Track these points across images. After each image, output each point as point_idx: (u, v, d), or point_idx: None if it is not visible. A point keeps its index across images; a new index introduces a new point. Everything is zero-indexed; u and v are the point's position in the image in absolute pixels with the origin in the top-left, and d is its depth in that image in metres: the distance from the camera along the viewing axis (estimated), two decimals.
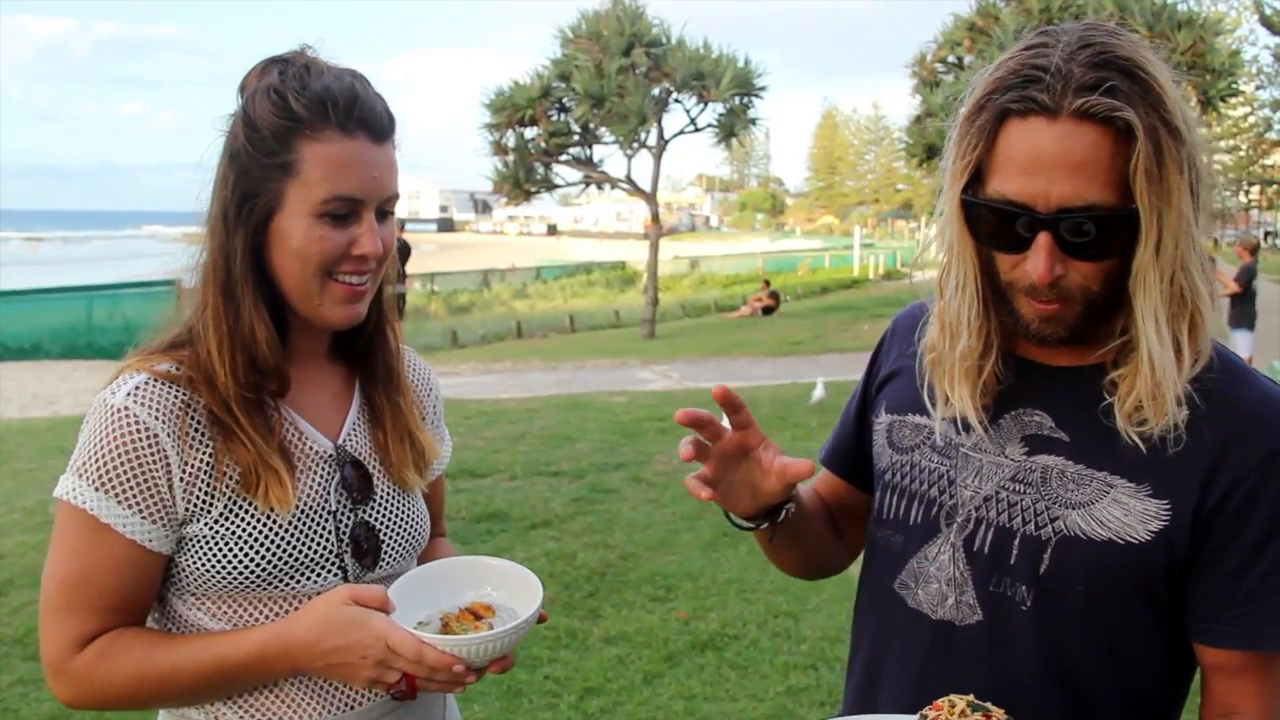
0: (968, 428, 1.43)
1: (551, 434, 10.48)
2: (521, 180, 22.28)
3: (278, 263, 1.50)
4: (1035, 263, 1.27)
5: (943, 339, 1.43)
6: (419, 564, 1.76)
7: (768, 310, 27.57)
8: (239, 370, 1.48)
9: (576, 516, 7.48)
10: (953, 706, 1.23)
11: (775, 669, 4.93)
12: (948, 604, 1.42)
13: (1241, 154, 68.64)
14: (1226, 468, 1.29)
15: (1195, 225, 1.26)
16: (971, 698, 1.25)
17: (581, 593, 5.94)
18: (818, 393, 11.37)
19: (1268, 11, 39.76)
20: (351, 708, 1.54)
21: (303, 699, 1.53)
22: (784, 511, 1.50)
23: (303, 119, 1.45)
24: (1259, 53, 54.18)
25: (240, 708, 1.52)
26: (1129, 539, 1.30)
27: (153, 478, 1.44)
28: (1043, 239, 1.25)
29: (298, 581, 1.51)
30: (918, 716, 1.26)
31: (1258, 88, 58.93)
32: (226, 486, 1.47)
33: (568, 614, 5.60)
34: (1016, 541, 1.37)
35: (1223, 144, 65.94)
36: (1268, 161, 68.79)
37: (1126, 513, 1.31)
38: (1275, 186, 67.11)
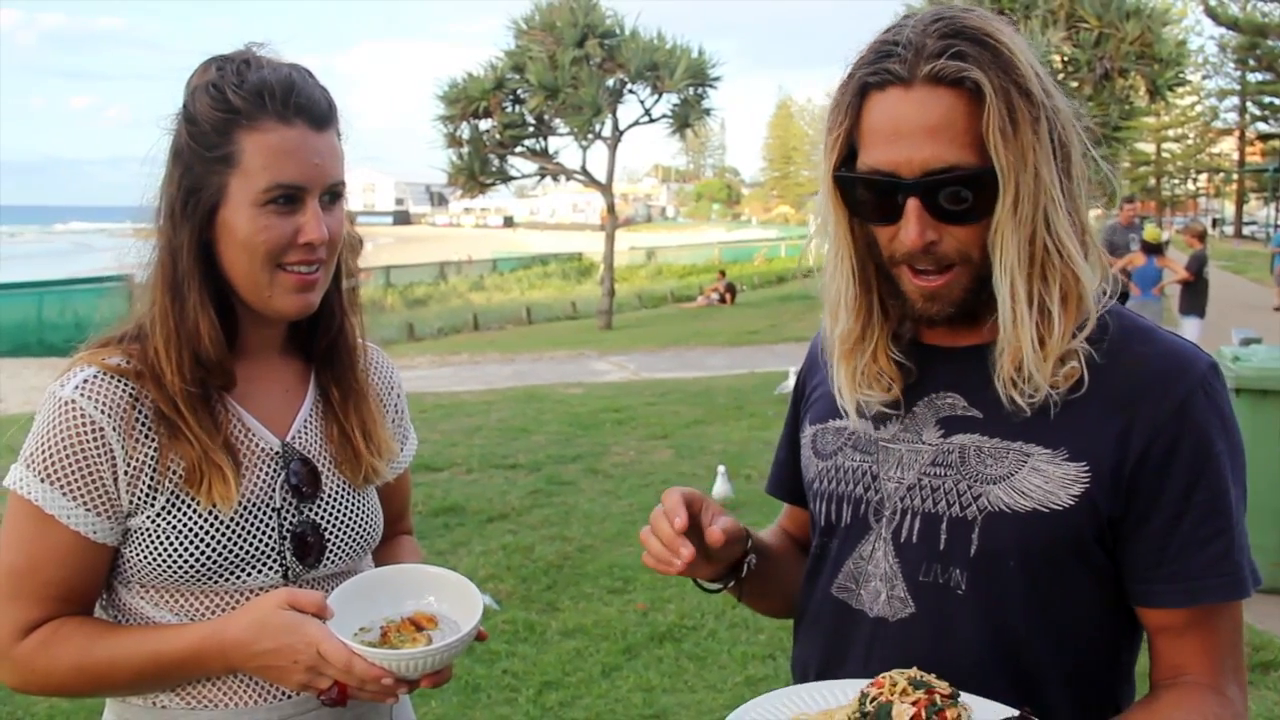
0: (884, 421, 1.43)
1: (508, 426, 10.46)
2: (477, 172, 22.19)
3: (226, 256, 1.50)
4: (907, 229, 1.29)
5: (829, 327, 1.46)
6: (376, 562, 1.77)
7: (723, 299, 27.64)
8: (185, 367, 1.49)
9: (533, 509, 7.47)
10: (894, 684, 1.22)
11: (733, 659, 4.95)
12: (880, 600, 1.41)
13: (1189, 142, 69.79)
14: (1140, 423, 1.29)
15: (1059, 188, 1.28)
16: (914, 672, 1.24)
17: (539, 586, 5.92)
18: (789, 382, 11.21)
19: (1213, 2, 40.40)
20: (289, 696, 1.55)
21: (242, 687, 1.53)
22: (745, 566, 1.51)
23: (240, 110, 1.46)
24: (1205, 43, 55.16)
25: (181, 695, 1.53)
26: (1052, 506, 1.30)
27: (97, 471, 1.45)
28: (911, 205, 1.28)
29: (238, 577, 1.52)
30: (858, 694, 1.25)
31: (1204, 77, 59.96)
32: (170, 481, 1.48)
33: (525, 607, 5.59)
34: (944, 525, 1.36)
35: (1171, 133, 66.99)
36: (1214, 150, 69.97)
37: (1047, 480, 1.30)
38: (1222, 174, 68.26)
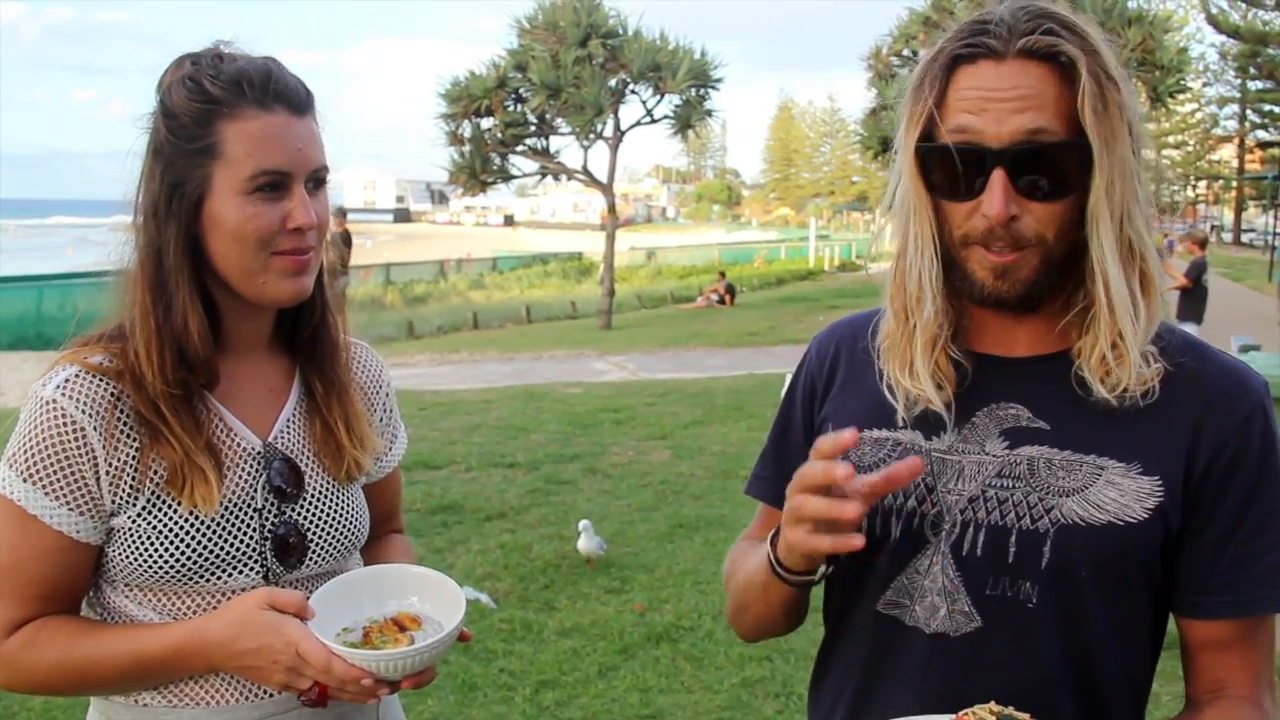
0: (937, 432, 1.39)
1: (507, 425, 10.45)
2: (478, 171, 22.16)
3: (216, 248, 1.50)
4: (990, 201, 1.26)
5: (902, 316, 1.40)
6: (367, 560, 1.77)
7: (723, 300, 27.65)
8: (167, 367, 1.48)
9: (532, 508, 7.46)
10: (977, 718, 1.19)
11: (730, 660, 4.95)
12: (939, 615, 1.36)
13: (1189, 149, 69.79)
14: (1206, 437, 1.30)
15: (1138, 178, 1.29)
16: (993, 705, 1.21)
17: (537, 585, 5.92)
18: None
19: (1214, 10, 40.40)
20: (271, 695, 1.55)
21: (224, 686, 1.54)
22: (826, 565, 1.38)
23: (219, 99, 1.46)
24: (1206, 50, 55.23)
25: (163, 693, 1.54)
26: (1128, 519, 1.29)
27: (79, 471, 1.45)
28: (997, 175, 1.26)
29: (218, 578, 1.52)
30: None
31: (1205, 84, 60.00)
32: (151, 481, 1.48)
33: (523, 606, 5.59)
34: (1013, 538, 1.32)
35: (1171, 139, 66.99)
36: (1214, 157, 69.98)
37: (1122, 493, 1.29)
38: (1221, 181, 68.28)
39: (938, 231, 1.34)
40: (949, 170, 1.29)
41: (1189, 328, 12.80)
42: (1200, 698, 1.35)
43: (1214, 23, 43.99)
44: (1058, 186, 1.26)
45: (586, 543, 6.24)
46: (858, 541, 1.22)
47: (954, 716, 1.22)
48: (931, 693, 1.35)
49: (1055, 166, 1.26)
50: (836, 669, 1.51)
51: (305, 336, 1.66)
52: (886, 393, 1.42)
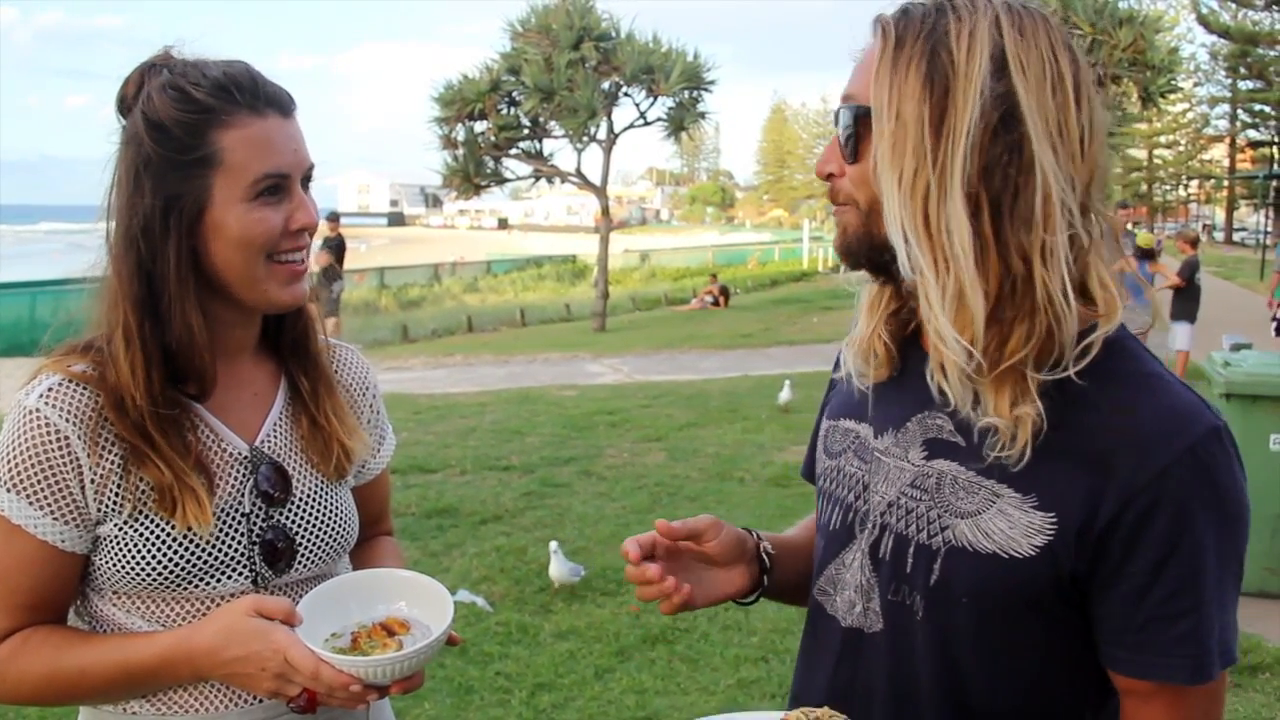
0: (883, 431, 1.40)
1: (502, 428, 10.46)
2: (471, 174, 22.14)
3: (219, 257, 1.48)
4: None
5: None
6: (357, 564, 1.76)
7: (717, 302, 27.66)
8: (155, 387, 1.46)
9: (527, 511, 7.47)
10: (804, 715, 1.23)
11: (726, 662, 4.96)
12: (856, 611, 1.39)
13: (1181, 149, 69.95)
14: (1115, 484, 1.19)
15: (958, 178, 1.20)
16: (824, 711, 1.25)
17: (532, 588, 5.93)
18: (784, 394, 11.16)
19: (1205, 11, 40.50)
20: (260, 701, 1.54)
21: (213, 693, 1.53)
22: (763, 556, 1.52)
23: (211, 108, 1.44)
24: (1197, 50, 55.31)
25: (152, 701, 1.53)
26: (1013, 553, 1.24)
27: (64, 480, 1.44)
28: (834, 135, 1.33)
29: (207, 584, 1.51)
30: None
31: (1196, 84, 60.13)
32: (136, 489, 1.47)
33: (519, 609, 5.60)
34: (911, 549, 1.32)
35: (1162, 139, 67.16)
36: (1206, 156, 70.15)
37: (1011, 525, 1.24)
38: (1213, 181, 68.46)
39: None
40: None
41: (1182, 327, 12.85)
42: None
43: (1204, 23, 44.10)
44: (857, 147, 1.30)
45: (558, 568, 5.78)
46: (668, 588, 1.42)
47: (782, 714, 1.26)
48: (841, 684, 1.38)
49: (850, 127, 1.30)
50: (798, 651, 1.57)
51: (290, 336, 1.66)
52: (846, 361, 1.48)
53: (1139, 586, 1.21)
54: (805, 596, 1.54)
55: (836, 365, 1.61)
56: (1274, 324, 13.95)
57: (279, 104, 1.50)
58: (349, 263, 16.51)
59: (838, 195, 1.33)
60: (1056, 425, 1.22)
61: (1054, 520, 1.22)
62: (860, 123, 1.28)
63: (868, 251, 1.31)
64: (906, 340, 1.41)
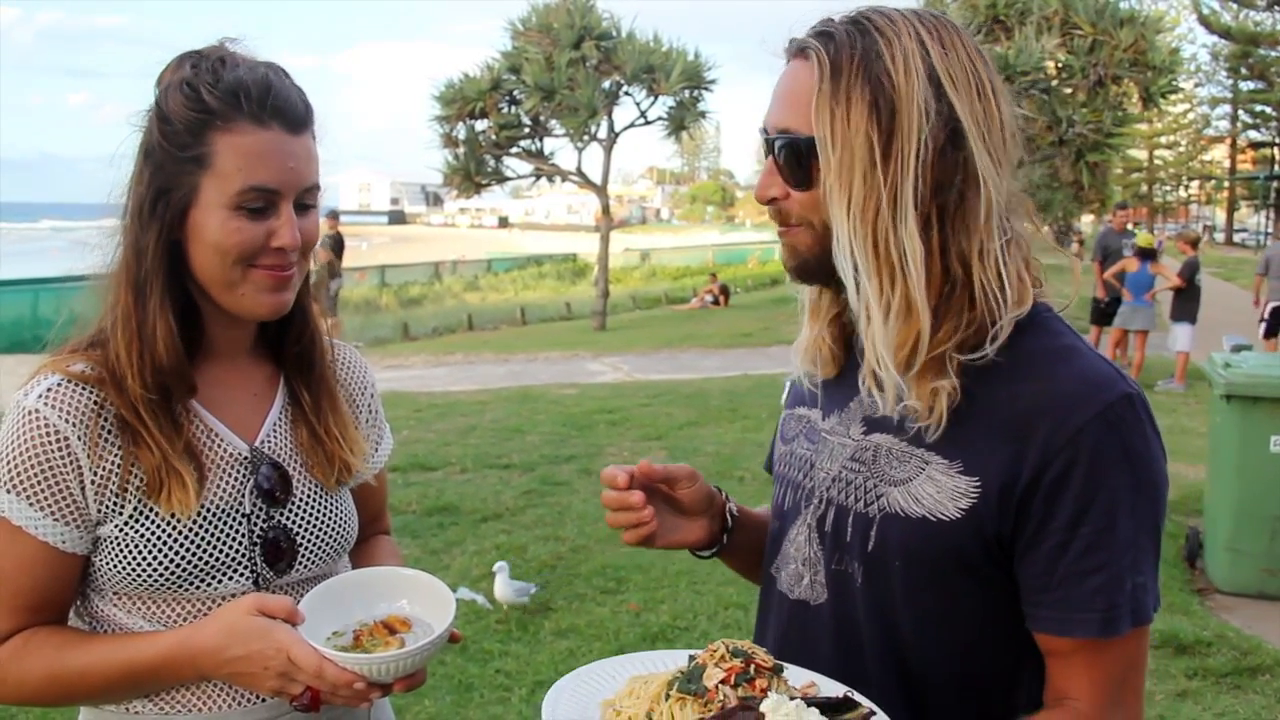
0: (830, 413, 1.48)
1: (502, 426, 10.47)
2: (472, 173, 22.14)
3: (196, 257, 1.48)
4: (759, 180, 1.39)
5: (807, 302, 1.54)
6: (355, 563, 1.76)
7: (717, 301, 27.66)
8: (146, 372, 1.47)
9: (527, 509, 7.48)
10: (715, 650, 1.27)
11: None
12: (803, 584, 1.46)
13: (1181, 149, 69.93)
14: (1034, 446, 1.27)
15: (910, 192, 1.26)
16: (745, 644, 1.29)
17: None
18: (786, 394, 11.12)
19: (1205, 11, 40.50)
20: (263, 700, 1.54)
21: (215, 692, 1.53)
22: (727, 515, 1.58)
23: (215, 110, 1.44)
24: (1197, 50, 55.29)
25: (154, 701, 1.53)
26: (940, 516, 1.31)
27: (64, 481, 1.44)
28: (768, 160, 1.37)
29: (208, 584, 1.51)
30: (687, 656, 1.32)
31: (1197, 85, 60.11)
32: (136, 489, 1.47)
33: (519, 607, 5.60)
34: (850, 519, 1.40)
35: (1163, 139, 67.16)
36: (1206, 157, 70.12)
37: (939, 489, 1.32)
38: (1214, 181, 68.45)
39: None
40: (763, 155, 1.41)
41: (1183, 327, 12.86)
42: (1046, 701, 1.35)
43: (1205, 23, 44.09)
44: (803, 177, 1.34)
45: (503, 589, 5.42)
46: (646, 516, 1.49)
47: (706, 649, 1.29)
48: (789, 655, 1.41)
49: (793, 158, 1.34)
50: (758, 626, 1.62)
51: (294, 349, 1.65)
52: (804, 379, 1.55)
53: (1058, 544, 1.28)
54: (756, 571, 1.62)
55: None
56: (1262, 325, 13.98)
57: (287, 117, 1.47)
58: (349, 261, 16.52)
59: (788, 218, 1.38)
60: (978, 397, 1.31)
61: (978, 484, 1.30)
62: (804, 153, 1.32)
63: (825, 268, 1.36)
64: (851, 338, 1.48)
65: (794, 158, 1.33)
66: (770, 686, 1.23)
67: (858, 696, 1.24)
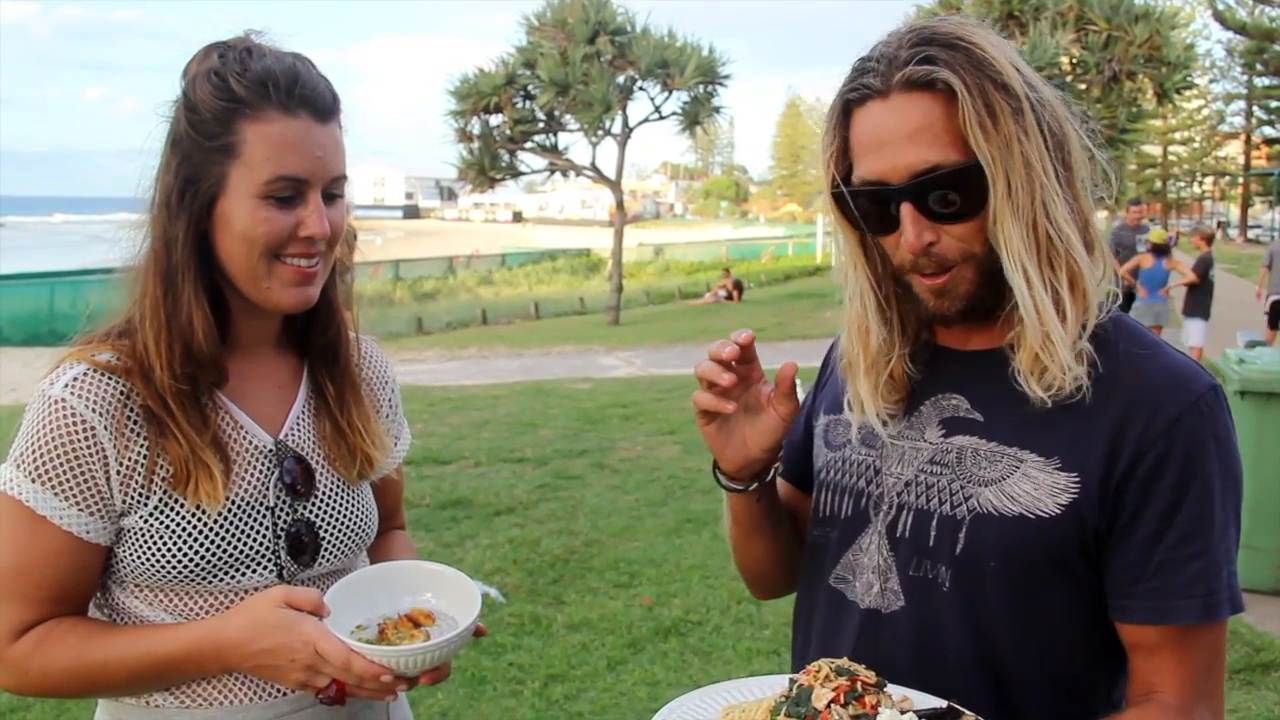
0: (891, 418, 1.46)
1: (515, 420, 10.49)
2: (486, 167, 22.21)
3: (223, 247, 1.47)
4: (905, 234, 1.31)
5: (853, 342, 1.48)
6: (371, 558, 1.75)
7: (730, 296, 27.64)
8: (175, 362, 1.46)
9: (540, 503, 7.49)
10: (819, 671, 1.25)
11: (738, 654, 4.98)
12: (874, 592, 1.43)
13: (1195, 146, 69.53)
14: (1130, 437, 1.29)
15: (1055, 177, 1.30)
16: (843, 661, 1.27)
17: (545, 579, 5.95)
18: (799, 390, 11.08)
19: (1221, 7, 40.25)
20: (285, 694, 1.53)
21: (237, 686, 1.52)
22: (772, 470, 1.52)
23: (243, 99, 1.43)
24: (1212, 46, 54.98)
25: (175, 694, 1.52)
26: (1039, 513, 1.31)
27: (89, 471, 1.43)
28: (905, 210, 1.30)
29: (232, 577, 1.50)
30: (788, 680, 1.29)
31: (1211, 81, 59.76)
32: (162, 480, 1.46)
33: (532, 601, 5.62)
34: (934, 523, 1.38)
35: (1177, 135, 66.78)
36: (1221, 153, 69.71)
37: (1036, 486, 1.31)
38: (1228, 177, 68.06)
39: (882, 263, 1.41)
40: (865, 210, 1.36)
41: (1196, 323, 12.80)
42: (1131, 699, 1.35)
43: (1220, 19, 43.83)
44: (965, 207, 1.30)
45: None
46: (729, 407, 1.43)
47: (804, 671, 1.28)
48: (860, 661, 1.39)
49: (955, 191, 1.29)
50: (799, 640, 1.60)
51: (319, 342, 1.64)
52: (857, 408, 1.50)
53: (1152, 534, 1.29)
54: (754, 538, 1.60)
55: (824, 365, 1.69)
56: (1266, 316, 14.00)
57: (315, 106, 1.47)
58: (363, 255, 16.57)
59: (945, 263, 1.33)
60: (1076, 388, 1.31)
61: (1077, 480, 1.30)
62: (966, 181, 1.29)
63: (986, 299, 1.35)
64: (922, 349, 1.46)
65: (953, 190, 1.29)
66: (879, 702, 1.22)
67: (959, 707, 1.24)
